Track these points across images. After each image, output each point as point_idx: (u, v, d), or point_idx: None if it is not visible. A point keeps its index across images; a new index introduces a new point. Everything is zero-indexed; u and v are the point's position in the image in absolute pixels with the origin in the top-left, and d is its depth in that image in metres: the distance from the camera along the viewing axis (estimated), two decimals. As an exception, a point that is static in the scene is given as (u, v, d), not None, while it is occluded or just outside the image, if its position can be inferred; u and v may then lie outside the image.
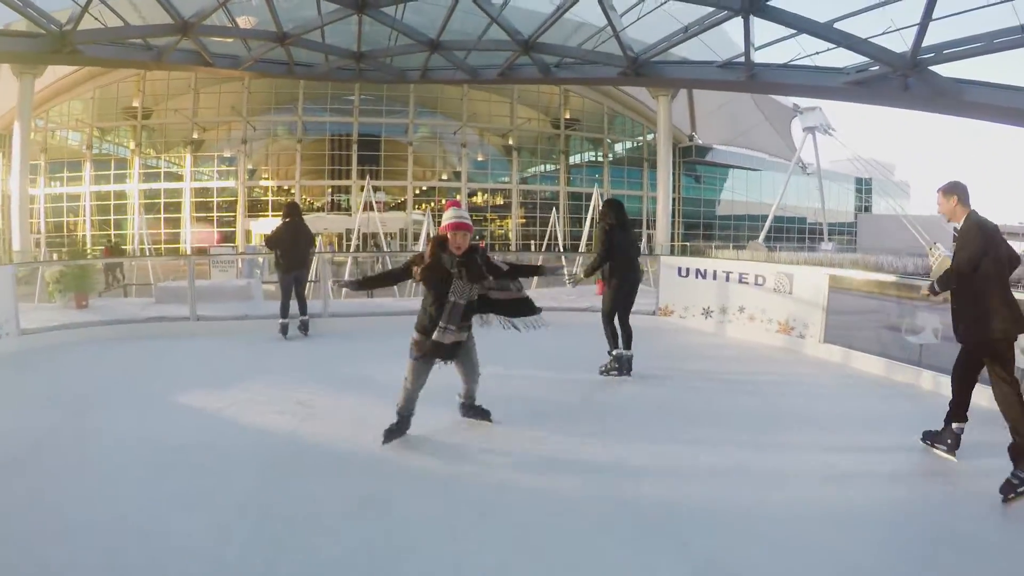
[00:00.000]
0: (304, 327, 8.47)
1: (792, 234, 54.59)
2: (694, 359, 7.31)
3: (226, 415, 5.08)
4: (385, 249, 21.88)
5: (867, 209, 61.56)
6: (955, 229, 4.41)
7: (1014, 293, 4.27)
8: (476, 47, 18.26)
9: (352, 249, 23.32)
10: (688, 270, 8.94)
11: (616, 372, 6.33)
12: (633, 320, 6.21)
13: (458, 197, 44.39)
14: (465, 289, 4.15)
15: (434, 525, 3.31)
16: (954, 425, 4.32)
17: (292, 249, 8.35)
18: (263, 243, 8.91)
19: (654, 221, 35.41)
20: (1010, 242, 4.41)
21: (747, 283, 8.19)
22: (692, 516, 3.45)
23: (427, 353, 4.22)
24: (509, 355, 5.82)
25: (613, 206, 6.43)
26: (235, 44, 18.31)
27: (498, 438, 4.54)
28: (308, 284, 9.47)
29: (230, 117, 41.55)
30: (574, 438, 4.58)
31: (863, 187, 60.80)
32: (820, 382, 6.44)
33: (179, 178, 42.23)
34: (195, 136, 41.58)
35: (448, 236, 4.14)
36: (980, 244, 4.12)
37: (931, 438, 4.51)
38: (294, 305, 8.37)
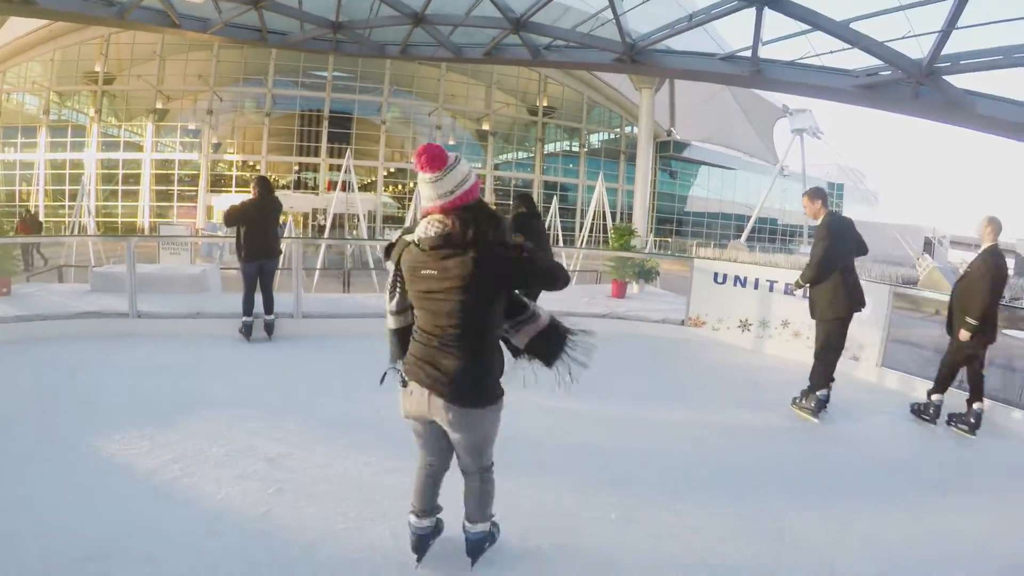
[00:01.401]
0: (269, 329, 7.11)
1: (765, 234, 54.73)
2: (742, 385, 6.42)
3: (161, 483, 3.51)
4: (363, 236, 20.51)
5: (838, 214, 62.05)
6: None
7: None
8: (464, 23, 17.20)
9: (328, 232, 22.01)
10: (725, 276, 8.00)
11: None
12: (658, 330, 5.39)
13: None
14: None
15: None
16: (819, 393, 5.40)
17: (260, 232, 6.86)
18: (222, 221, 7.12)
19: (629, 214, 34.81)
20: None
21: (793, 295, 7.26)
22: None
23: None
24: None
25: (524, 198, 5.88)
26: (205, 5, 16.87)
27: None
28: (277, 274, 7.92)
29: (197, 87, 39.19)
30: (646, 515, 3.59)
31: (834, 192, 61.27)
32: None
33: (139, 148, 39.65)
34: (159, 105, 39.04)
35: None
36: (830, 239, 5.26)
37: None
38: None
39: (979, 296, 5.04)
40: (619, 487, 3.71)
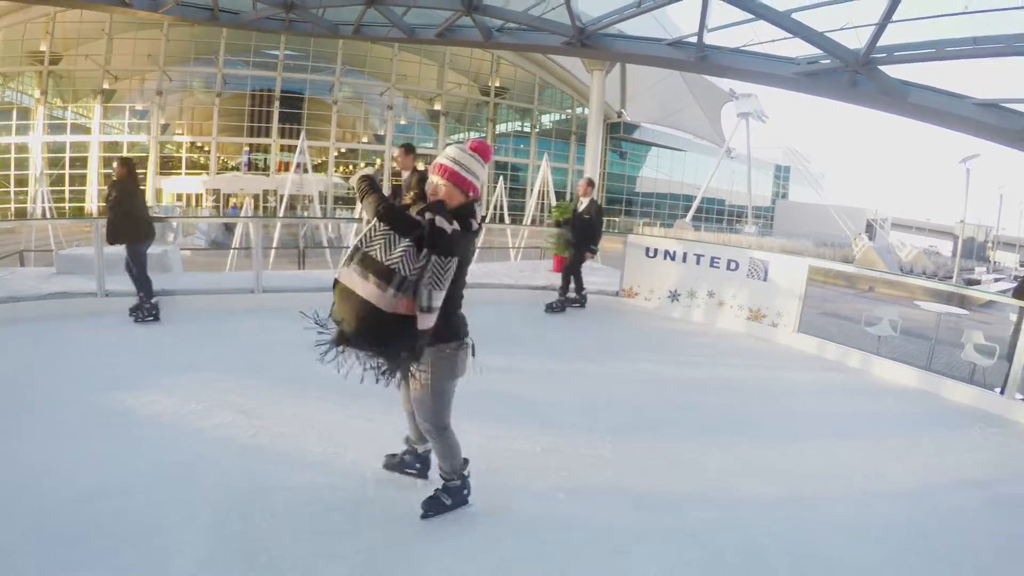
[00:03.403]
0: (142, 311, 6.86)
1: (712, 215, 56.11)
2: (668, 348, 7.06)
3: (149, 435, 3.87)
4: (318, 215, 20.59)
5: (784, 195, 63.87)
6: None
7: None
8: (416, 4, 17.36)
9: (283, 212, 21.95)
10: (656, 251, 8.60)
11: None
12: (595, 300, 5.83)
13: (378, 163, 43.08)
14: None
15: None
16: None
17: (142, 213, 6.92)
18: (109, 200, 6.71)
19: (579, 194, 35.28)
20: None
21: (718, 267, 7.94)
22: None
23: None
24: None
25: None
26: (155, -18, 16.63)
27: (498, 443, 4.00)
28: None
29: (145, 67, 37.90)
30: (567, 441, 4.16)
31: (781, 174, 63.04)
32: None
33: (87, 131, 38.08)
34: (106, 86, 37.53)
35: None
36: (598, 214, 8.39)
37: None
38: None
39: None
40: (545, 426, 4.27)
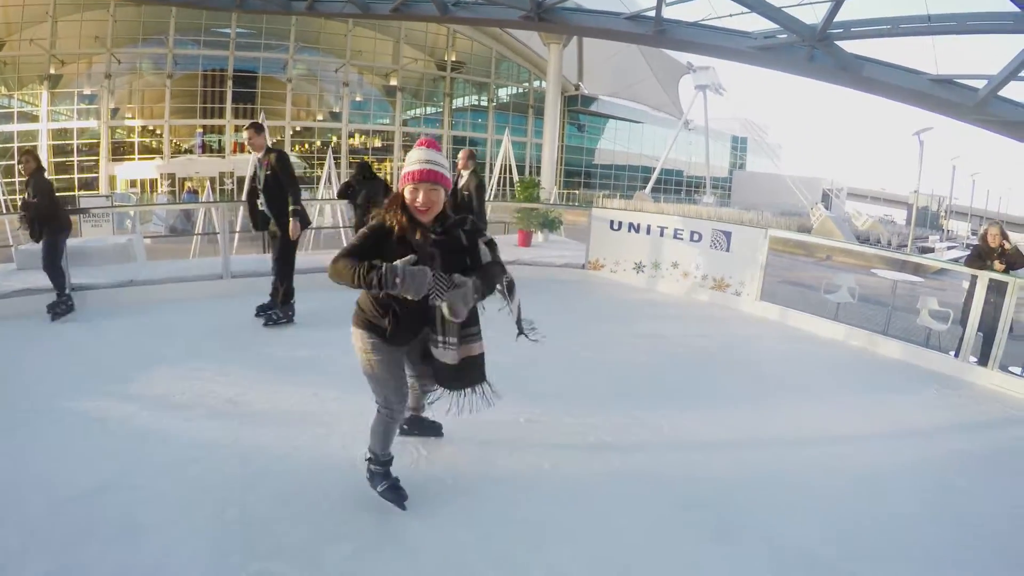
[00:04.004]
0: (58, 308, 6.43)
1: (670, 186, 56.71)
2: (637, 318, 7.24)
3: (137, 428, 3.84)
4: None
5: (741, 166, 64.79)
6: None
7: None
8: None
9: (246, 196, 21.36)
10: (620, 223, 8.77)
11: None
12: (562, 273, 5.79)
13: (334, 139, 42.39)
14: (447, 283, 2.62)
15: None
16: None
17: (59, 203, 6.55)
18: (31, 197, 6.28)
19: (538, 168, 35.50)
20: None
21: (682, 239, 8.15)
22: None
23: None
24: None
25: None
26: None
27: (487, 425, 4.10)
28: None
29: (92, 49, 36.08)
30: (541, 410, 4.30)
31: (738, 145, 63.87)
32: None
33: (34, 118, 36.30)
34: (52, 71, 35.68)
35: (407, 193, 2.70)
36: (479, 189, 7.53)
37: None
38: None
39: None
40: (526, 398, 4.35)
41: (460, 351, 2.88)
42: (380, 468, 3.11)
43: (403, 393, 2.99)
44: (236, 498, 3.10)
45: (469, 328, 2.90)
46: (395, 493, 3.05)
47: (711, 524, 3.11)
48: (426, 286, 2.50)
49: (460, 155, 7.77)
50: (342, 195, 8.03)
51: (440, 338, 2.84)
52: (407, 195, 2.68)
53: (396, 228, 2.66)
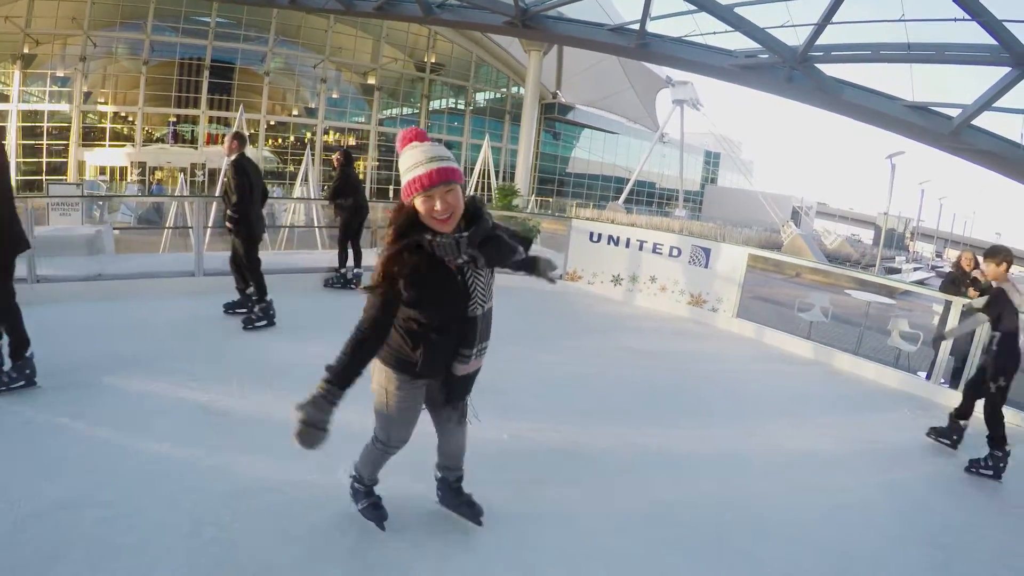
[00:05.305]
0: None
1: (643, 197, 57.21)
2: (615, 331, 7.25)
3: (105, 439, 3.61)
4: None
5: (713, 181, 65.61)
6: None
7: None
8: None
9: (220, 189, 21.02)
10: (600, 235, 8.78)
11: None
12: (539, 283, 5.76)
13: (308, 135, 41.89)
14: (486, 284, 2.50)
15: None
16: None
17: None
18: None
19: (511, 173, 35.54)
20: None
21: (661, 253, 8.19)
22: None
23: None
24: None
25: None
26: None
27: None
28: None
29: (69, 30, 34.98)
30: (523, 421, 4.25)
31: (711, 160, 64.72)
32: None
33: (5, 98, 35.03)
34: (26, 50, 34.55)
35: (420, 204, 2.25)
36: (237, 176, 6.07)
37: None
38: None
39: None
40: (508, 414, 4.30)
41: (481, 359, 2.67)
42: (364, 488, 3.00)
43: (407, 435, 2.79)
44: (213, 517, 2.94)
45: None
46: (376, 512, 2.95)
47: (695, 543, 3.13)
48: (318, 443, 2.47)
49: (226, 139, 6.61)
50: (335, 196, 8.14)
51: (475, 348, 2.56)
52: (420, 207, 2.24)
53: (421, 267, 2.28)
